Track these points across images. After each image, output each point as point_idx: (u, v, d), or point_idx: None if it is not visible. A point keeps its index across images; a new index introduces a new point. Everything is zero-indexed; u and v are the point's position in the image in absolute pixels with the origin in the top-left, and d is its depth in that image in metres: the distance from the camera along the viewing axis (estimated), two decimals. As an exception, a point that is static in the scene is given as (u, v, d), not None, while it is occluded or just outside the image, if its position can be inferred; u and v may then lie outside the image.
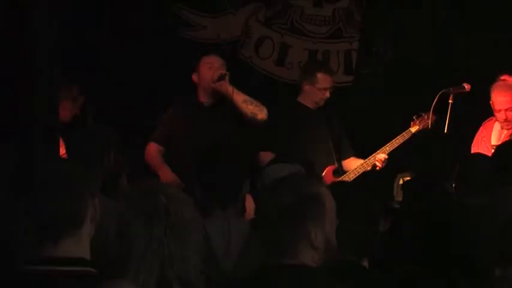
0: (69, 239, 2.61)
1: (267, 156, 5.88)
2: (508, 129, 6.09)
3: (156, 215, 2.62)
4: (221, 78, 5.83)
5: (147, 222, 2.61)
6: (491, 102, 6.04)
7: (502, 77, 6.20)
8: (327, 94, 6.22)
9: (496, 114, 6.06)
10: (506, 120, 6.03)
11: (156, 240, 2.60)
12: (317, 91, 6.20)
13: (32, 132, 4.41)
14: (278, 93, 7.04)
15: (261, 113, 5.83)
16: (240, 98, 5.82)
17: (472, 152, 5.97)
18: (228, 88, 5.82)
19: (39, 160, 4.19)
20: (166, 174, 5.75)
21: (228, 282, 3.18)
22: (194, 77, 5.97)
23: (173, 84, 6.55)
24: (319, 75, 6.21)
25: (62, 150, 5.12)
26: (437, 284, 3.32)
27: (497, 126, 6.18)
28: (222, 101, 5.89)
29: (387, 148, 6.24)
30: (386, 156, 6.21)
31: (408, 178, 5.90)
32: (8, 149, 4.12)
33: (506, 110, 6.01)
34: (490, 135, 6.13)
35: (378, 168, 6.20)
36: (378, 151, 6.25)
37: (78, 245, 2.62)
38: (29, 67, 4.41)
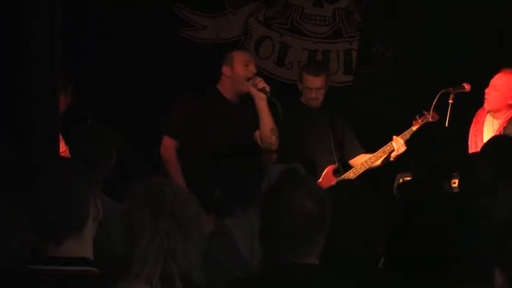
0: (72, 239, 2.61)
1: (271, 157, 5.89)
2: (487, 110, 6.08)
3: (162, 208, 2.66)
4: (264, 92, 5.64)
5: (153, 215, 2.65)
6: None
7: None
8: (313, 94, 6.19)
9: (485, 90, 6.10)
10: (487, 95, 6.04)
11: (161, 232, 2.64)
12: (305, 91, 6.22)
13: (32, 133, 4.41)
14: (278, 93, 7.04)
15: (275, 146, 5.72)
16: (268, 124, 5.67)
17: (469, 147, 5.98)
18: (264, 108, 5.67)
19: (40, 160, 4.19)
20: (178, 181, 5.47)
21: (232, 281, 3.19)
22: (226, 69, 5.76)
23: (173, 84, 6.55)
24: (304, 75, 6.22)
25: (63, 147, 5.11)
26: (436, 284, 3.33)
27: (488, 120, 6.17)
28: (246, 99, 5.73)
29: (388, 148, 6.24)
30: (403, 142, 6.17)
31: (408, 178, 5.92)
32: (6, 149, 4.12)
33: (493, 86, 6.03)
34: (482, 130, 6.12)
35: (395, 155, 6.16)
36: (380, 150, 6.24)
37: (81, 245, 2.63)
38: (28, 67, 4.40)
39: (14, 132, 4.40)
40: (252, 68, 5.73)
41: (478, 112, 6.21)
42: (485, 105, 6.09)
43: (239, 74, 5.72)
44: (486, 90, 6.06)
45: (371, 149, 6.34)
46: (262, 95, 5.65)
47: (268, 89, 5.67)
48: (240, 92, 5.72)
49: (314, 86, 6.18)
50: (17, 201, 2.94)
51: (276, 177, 2.92)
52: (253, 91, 5.67)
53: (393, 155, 6.20)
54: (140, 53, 6.87)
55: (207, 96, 5.80)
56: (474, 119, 6.21)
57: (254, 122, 5.70)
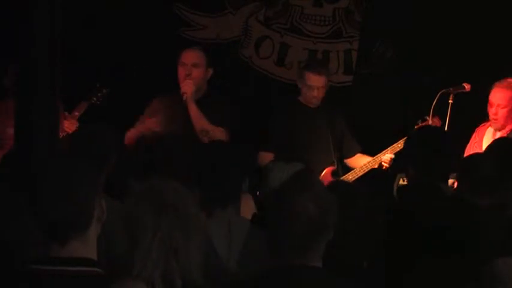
0: (76, 239, 2.62)
1: (267, 156, 5.89)
2: (496, 129, 6.07)
3: (164, 207, 2.68)
4: (183, 94, 5.78)
5: (155, 214, 2.67)
6: (489, 97, 6.05)
7: (510, 79, 6.17)
8: (315, 93, 6.20)
9: (489, 110, 6.05)
10: (495, 116, 6.02)
11: (164, 231, 2.65)
12: (306, 89, 6.22)
13: (32, 133, 4.40)
14: (278, 93, 7.05)
15: None
16: (198, 125, 5.75)
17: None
18: (190, 109, 5.78)
19: (44, 160, 4.18)
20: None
21: (233, 282, 3.18)
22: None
23: (173, 84, 6.54)
24: (307, 74, 6.23)
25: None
26: (437, 285, 3.33)
27: (489, 131, 6.16)
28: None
29: (389, 151, 6.24)
30: (393, 156, 6.21)
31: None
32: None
33: (498, 106, 6.01)
34: (482, 141, 6.12)
35: (384, 168, 6.21)
36: (381, 153, 6.25)
37: (85, 246, 2.63)
38: (28, 67, 4.40)
39: (14, 132, 4.40)
40: (186, 68, 5.82)
41: (479, 127, 6.20)
42: (493, 126, 6.06)
43: (179, 75, 5.89)
44: (492, 111, 6.01)
45: (371, 149, 6.34)
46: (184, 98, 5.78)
47: (185, 95, 5.76)
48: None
49: (316, 85, 6.20)
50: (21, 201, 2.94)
51: (281, 178, 2.92)
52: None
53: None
54: (140, 53, 6.86)
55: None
56: (475, 133, 6.21)
57: (212, 118, 5.77)
